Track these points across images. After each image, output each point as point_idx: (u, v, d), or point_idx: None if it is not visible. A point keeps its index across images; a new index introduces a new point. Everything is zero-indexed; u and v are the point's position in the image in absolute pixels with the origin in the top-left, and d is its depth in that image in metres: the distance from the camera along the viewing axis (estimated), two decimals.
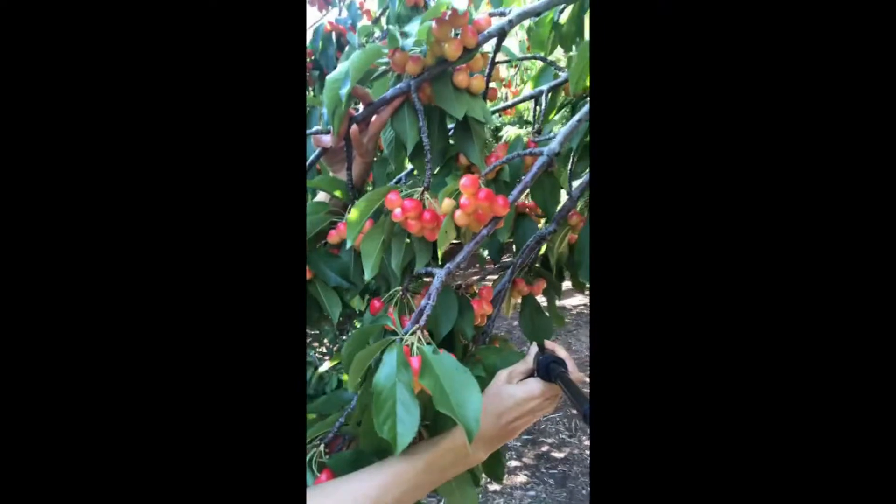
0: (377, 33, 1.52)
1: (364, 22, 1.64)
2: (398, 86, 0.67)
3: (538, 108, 0.90)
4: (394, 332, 0.55)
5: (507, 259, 0.83)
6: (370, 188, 0.87)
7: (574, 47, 0.94)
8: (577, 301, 4.26)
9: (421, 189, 0.63)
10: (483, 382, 0.59)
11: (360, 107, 0.70)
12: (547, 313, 0.81)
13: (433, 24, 0.63)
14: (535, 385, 0.55)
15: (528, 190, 0.69)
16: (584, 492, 2.21)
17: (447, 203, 0.60)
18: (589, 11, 0.81)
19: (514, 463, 2.44)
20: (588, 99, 0.78)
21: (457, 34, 0.66)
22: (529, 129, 1.05)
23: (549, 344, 0.61)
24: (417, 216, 0.60)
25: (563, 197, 0.81)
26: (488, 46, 0.72)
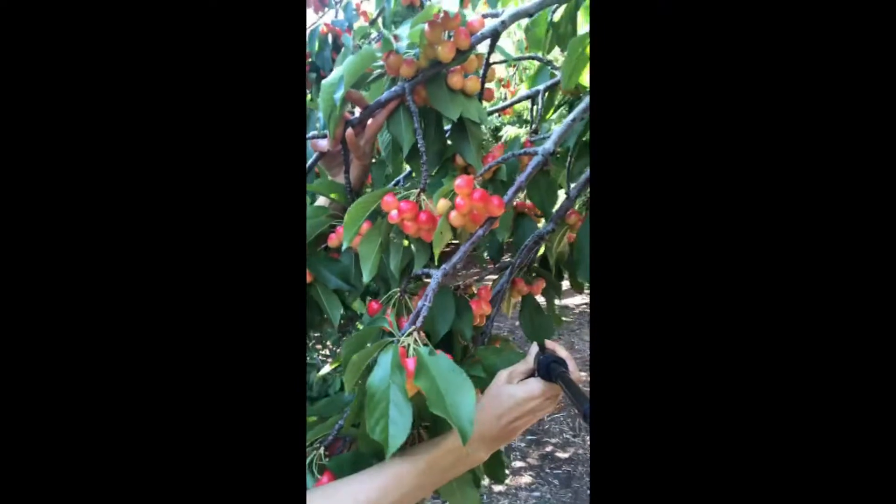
0: (374, 34, 1.53)
1: (360, 23, 1.64)
2: (393, 89, 0.67)
3: (535, 107, 0.91)
4: (391, 334, 0.55)
5: (507, 259, 0.84)
6: (369, 191, 0.87)
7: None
8: (579, 300, 4.25)
9: (417, 191, 0.63)
10: (483, 383, 0.59)
11: (357, 111, 0.70)
12: (546, 313, 0.81)
13: (426, 26, 0.63)
14: (536, 385, 0.55)
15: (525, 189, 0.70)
16: (589, 492, 2.21)
17: (443, 204, 0.60)
18: (582, 8, 0.81)
19: (518, 463, 2.44)
20: (583, 97, 0.78)
21: (450, 36, 0.66)
22: (528, 128, 1.06)
23: (549, 343, 0.61)
24: (414, 217, 0.60)
25: (561, 196, 0.81)
26: (483, 47, 0.72)
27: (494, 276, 0.83)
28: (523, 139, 0.84)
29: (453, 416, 0.45)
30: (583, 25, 0.82)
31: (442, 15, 0.63)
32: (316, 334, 2.48)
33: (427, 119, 0.70)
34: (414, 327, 0.54)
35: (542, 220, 0.83)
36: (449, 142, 0.75)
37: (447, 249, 0.63)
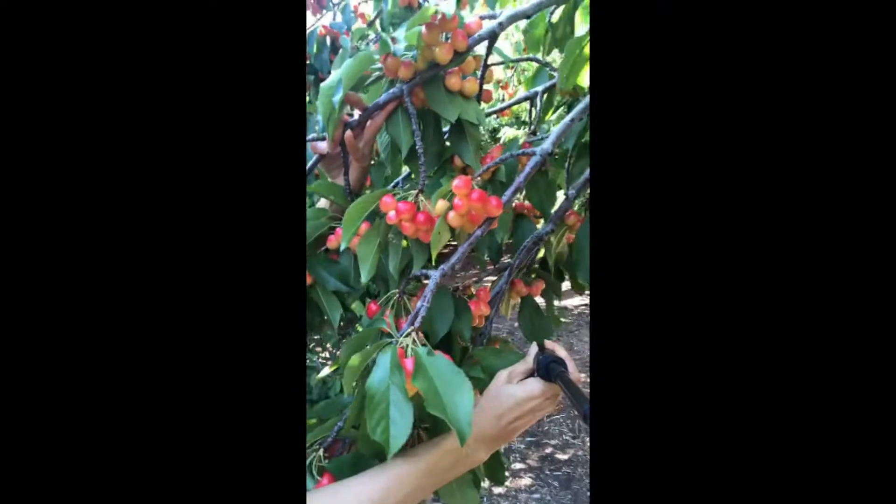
0: (372, 36, 1.53)
1: (358, 25, 1.64)
2: (391, 91, 0.68)
3: (533, 109, 0.91)
4: (390, 335, 0.55)
5: (506, 260, 0.84)
6: (368, 192, 0.87)
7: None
8: (579, 301, 4.25)
9: (416, 191, 0.64)
10: (482, 384, 0.59)
11: (356, 113, 0.70)
12: (545, 314, 0.81)
13: (423, 28, 0.63)
14: (535, 385, 0.55)
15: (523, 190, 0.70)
16: (588, 494, 2.21)
17: (441, 204, 0.60)
18: (580, 9, 0.82)
19: (518, 465, 2.44)
20: (581, 98, 0.78)
21: (447, 38, 0.66)
22: (527, 129, 1.06)
23: (548, 344, 0.61)
24: (412, 218, 0.61)
25: (560, 197, 0.81)
26: (481, 49, 0.72)
27: (493, 278, 0.83)
28: (521, 140, 0.84)
29: (451, 416, 0.45)
30: (580, 26, 0.83)
31: (439, 17, 0.63)
32: (316, 336, 2.48)
33: (425, 120, 0.71)
34: (412, 328, 0.54)
35: (541, 221, 0.83)
36: (447, 143, 0.75)
37: (445, 250, 0.63)
